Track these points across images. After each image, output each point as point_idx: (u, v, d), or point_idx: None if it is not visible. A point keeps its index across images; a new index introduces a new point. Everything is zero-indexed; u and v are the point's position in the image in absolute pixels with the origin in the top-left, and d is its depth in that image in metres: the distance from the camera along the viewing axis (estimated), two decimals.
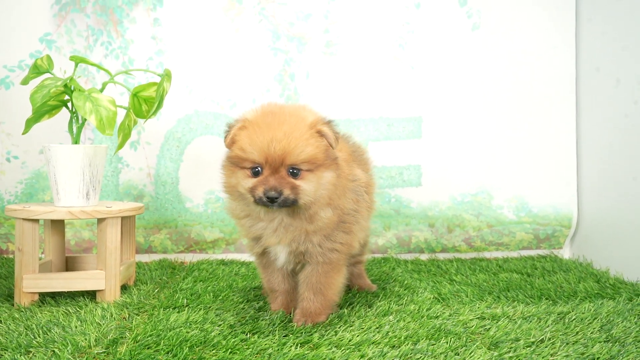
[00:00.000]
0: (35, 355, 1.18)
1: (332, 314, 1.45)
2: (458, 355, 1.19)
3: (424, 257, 2.31)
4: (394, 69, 2.30)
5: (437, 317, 1.45)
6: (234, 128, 1.34)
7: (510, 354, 1.20)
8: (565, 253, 2.35)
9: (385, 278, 1.93)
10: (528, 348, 1.24)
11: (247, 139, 1.28)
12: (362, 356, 1.19)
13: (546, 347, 1.25)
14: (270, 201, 1.26)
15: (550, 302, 1.62)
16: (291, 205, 1.29)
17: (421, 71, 2.30)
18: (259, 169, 1.29)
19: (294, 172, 1.28)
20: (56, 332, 1.30)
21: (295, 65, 2.28)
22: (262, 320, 1.42)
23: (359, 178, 1.45)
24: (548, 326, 1.39)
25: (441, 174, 2.31)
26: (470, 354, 1.18)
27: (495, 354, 1.19)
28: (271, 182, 1.26)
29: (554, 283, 1.84)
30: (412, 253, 2.32)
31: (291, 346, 1.24)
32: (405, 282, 1.85)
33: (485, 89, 2.31)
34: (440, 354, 1.20)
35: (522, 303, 1.61)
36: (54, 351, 1.19)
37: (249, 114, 1.35)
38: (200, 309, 1.52)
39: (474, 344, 1.24)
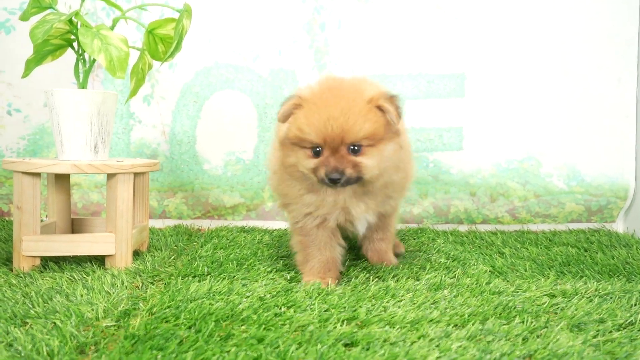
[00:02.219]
0: (33, 327, 0.99)
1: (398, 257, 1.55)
2: (539, 337, 0.99)
3: (462, 228, 2.10)
4: (435, 19, 2.06)
5: (500, 292, 1.25)
6: (288, 104, 1.28)
7: (599, 338, 1.00)
8: (619, 227, 2.14)
9: (426, 249, 1.72)
10: (618, 331, 1.04)
11: (304, 118, 1.23)
12: (422, 336, 0.99)
13: (639, 330, 1.04)
14: (334, 182, 1.22)
15: (623, 279, 1.41)
16: (356, 182, 1.26)
17: (466, 22, 2.06)
18: (319, 148, 1.24)
19: (355, 149, 1.23)
20: (58, 301, 1.11)
21: (325, 14, 2.05)
22: (296, 292, 1.22)
23: (406, 140, 1.44)
24: (633, 306, 1.18)
25: (485, 138, 2.09)
26: (554, 336, 0.98)
27: (582, 337, 0.99)
28: (332, 163, 1.21)
29: (618, 258, 1.62)
30: (449, 224, 2.11)
31: (335, 322, 1.04)
32: (452, 253, 1.64)
33: (537, 44, 2.07)
34: (517, 335, 0.99)
35: (591, 279, 1.40)
36: (54, 323, 1.00)
37: (304, 90, 1.30)
38: (224, 279, 1.32)
39: (555, 325, 1.04)
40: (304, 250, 1.39)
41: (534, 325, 1.03)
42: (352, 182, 1.24)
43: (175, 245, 1.71)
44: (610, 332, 1.04)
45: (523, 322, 1.05)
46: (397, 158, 1.29)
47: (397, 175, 1.34)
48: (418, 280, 1.36)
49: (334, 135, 1.21)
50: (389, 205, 1.42)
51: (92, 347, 0.93)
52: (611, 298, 1.24)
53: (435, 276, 1.38)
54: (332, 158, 1.22)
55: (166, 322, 1.02)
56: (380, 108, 1.24)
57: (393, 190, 1.38)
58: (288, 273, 1.39)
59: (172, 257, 1.56)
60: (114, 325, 1.01)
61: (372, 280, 1.34)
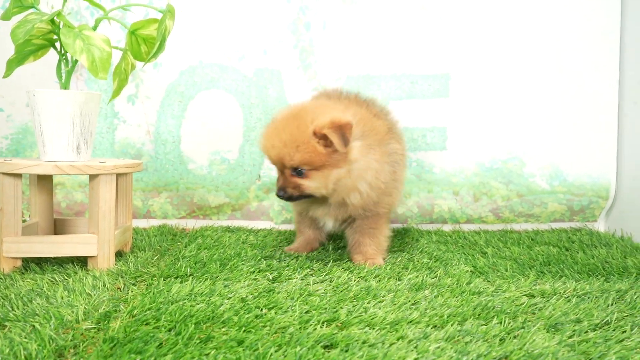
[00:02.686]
0: (11, 331, 0.99)
1: (385, 260, 1.59)
2: (516, 338, 1.00)
3: (447, 228, 2.12)
4: (420, 19, 2.07)
5: (479, 292, 1.26)
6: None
7: (575, 338, 1.01)
8: (600, 226, 2.16)
9: (409, 249, 1.74)
10: (594, 331, 1.05)
11: (263, 141, 1.46)
12: (400, 338, 1.00)
13: (614, 330, 1.06)
14: (281, 197, 1.45)
15: (602, 278, 1.43)
16: (305, 198, 1.46)
17: (450, 23, 2.08)
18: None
19: (299, 171, 1.41)
20: (38, 304, 1.11)
21: (310, 14, 2.05)
22: (278, 292, 1.23)
23: (395, 151, 1.55)
24: (609, 306, 1.20)
25: (468, 138, 2.10)
26: (531, 337, 0.99)
27: (558, 337, 1.01)
28: (279, 183, 1.45)
29: (597, 258, 1.65)
30: (434, 224, 2.13)
31: (315, 324, 1.05)
32: (434, 253, 1.66)
33: (521, 44, 2.09)
34: (494, 336, 1.01)
35: (570, 279, 1.42)
36: (33, 326, 1.00)
37: (278, 113, 1.51)
38: (206, 279, 1.33)
39: (532, 326, 1.05)
40: (297, 227, 1.74)
41: (511, 326, 1.05)
42: (296, 199, 1.45)
43: (159, 246, 1.71)
44: (586, 332, 1.05)
45: (501, 322, 1.07)
46: (345, 181, 1.41)
47: (353, 197, 1.45)
48: (400, 280, 1.37)
49: (276, 160, 1.43)
50: (355, 213, 1.52)
51: (71, 351, 0.93)
52: (589, 298, 1.25)
53: (417, 276, 1.39)
54: (281, 177, 1.44)
55: (146, 324, 1.02)
56: (325, 136, 1.36)
57: (354, 207, 1.49)
58: (271, 273, 1.40)
59: (156, 258, 1.56)
60: (94, 328, 1.01)
61: (354, 281, 1.35)
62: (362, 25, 2.06)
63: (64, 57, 1.48)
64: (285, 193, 1.43)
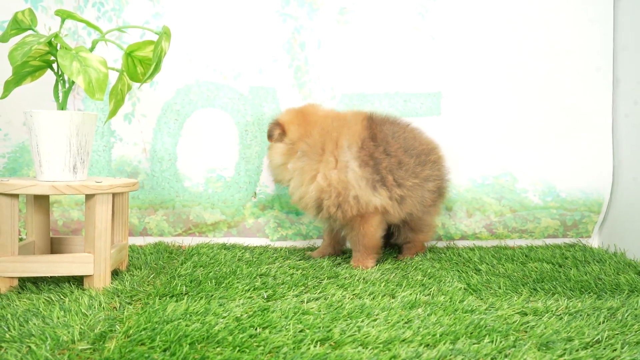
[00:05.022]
0: (7, 352, 0.99)
1: (379, 259, 1.80)
2: (507, 357, 1.01)
3: (441, 244, 2.13)
4: (412, 39, 2.11)
5: (472, 310, 1.27)
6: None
7: (567, 357, 1.03)
8: (594, 242, 2.18)
9: (403, 266, 1.75)
10: (585, 350, 1.07)
11: None
12: (393, 357, 1.01)
13: (605, 348, 1.08)
14: None
15: (594, 295, 1.45)
16: None
17: (442, 42, 2.11)
18: None
19: None
20: (34, 324, 1.12)
21: (305, 33, 2.08)
22: (272, 311, 1.24)
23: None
24: (600, 324, 1.21)
25: (461, 154, 2.12)
26: (522, 356, 1.01)
27: (549, 356, 1.02)
28: None
29: (590, 274, 1.66)
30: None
31: (309, 344, 1.06)
32: (428, 270, 1.67)
33: (512, 63, 2.12)
34: (486, 355, 1.02)
35: (562, 296, 1.43)
36: (29, 347, 1.01)
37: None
38: (202, 298, 1.34)
39: (523, 345, 1.07)
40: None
41: (502, 345, 1.06)
42: None
43: (155, 264, 1.72)
44: (577, 350, 1.07)
45: (492, 341, 1.08)
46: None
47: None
48: (394, 298, 1.38)
49: None
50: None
51: None
52: (580, 316, 1.27)
53: (411, 294, 1.40)
54: None
55: (141, 344, 1.03)
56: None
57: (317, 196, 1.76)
58: (266, 291, 1.41)
59: (152, 276, 1.57)
60: (90, 349, 1.02)
61: (349, 298, 1.36)
62: (356, 44, 2.09)
63: (61, 78, 1.50)
64: None
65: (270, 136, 1.80)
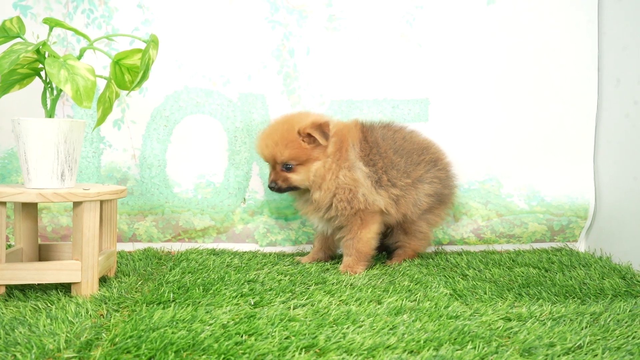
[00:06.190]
0: None
1: (369, 266, 1.83)
2: None
3: (429, 249, 2.14)
4: (400, 47, 2.12)
5: (457, 316, 1.29)
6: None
7: None
8: (581, 246, 2.20)
9: (391, 272, 1.76)
10: (566, 355, 1.08)
11: (257, 142, 1.81)
12: None
13: (586, 354, 1.09)
14: (272, 189, 1.79)
15: (578, 300, 1.47)
16: (292, 190, 1.81)
17: (429, 50, 2.13)
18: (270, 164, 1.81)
19: (288, 167, 1.76)
20: (20, 332, 1.12)
21: (294, 40, 2.09)
22: (259, 318, 1.25)
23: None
24: (583, 329, 1.23)
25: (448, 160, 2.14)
26: None
27: None
28: (271, 176, 1.78)
29: (575, 279, 1.68)
30: None
31: (294, 351, 1.07)
32: (415, 276, 1.68)
33: (498, 69, 2.14)
34: None
35: (547, 302, 1.45)
36: (15, 355, 1.01)
37: (270, 122, 1.94)
38: (189, 305, 1.34)
39: (505, 351, 1.08)
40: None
41: (485, 351, 1.07)
42: (284, 190, 1.78)
43: (144, 270, 1.73)
44: (559, 356, 1.08)
45: (475, 347, 1.09)
46: (322, 170, 1.75)
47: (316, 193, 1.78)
48: (380, 304, 1.39)
49: (269, 157, 1.77)
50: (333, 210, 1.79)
51: None
52: (563, 321, 1.28)
53: (397, 300, 1.41)
54: (272, 172, 1.78)
55: (127, 352, 1.04)
56: (309, 135, 1.72)
57: (325, 193, 1.78)
58: (253, 298, 1.41)
59: (140, 283, 1.57)
60: (75, 357, 1.03)
61: (335, 305, 1.37)
62: (345, 51, 2.10)
63: (49, 85, 1.51)
64: (276, 185, 1.76)
65: (327, 135, 1.75)
